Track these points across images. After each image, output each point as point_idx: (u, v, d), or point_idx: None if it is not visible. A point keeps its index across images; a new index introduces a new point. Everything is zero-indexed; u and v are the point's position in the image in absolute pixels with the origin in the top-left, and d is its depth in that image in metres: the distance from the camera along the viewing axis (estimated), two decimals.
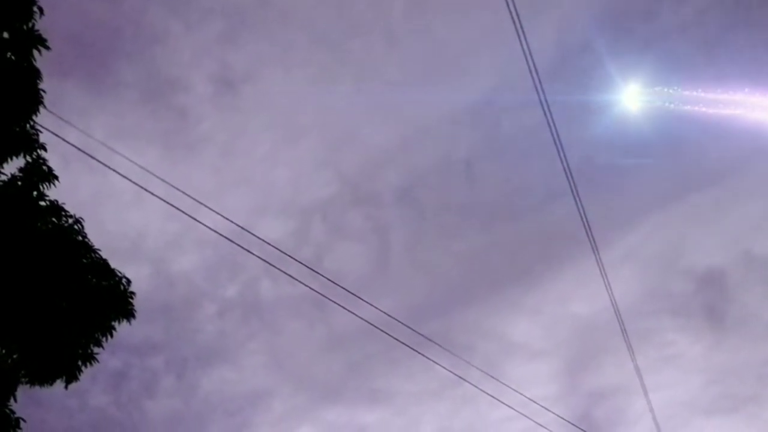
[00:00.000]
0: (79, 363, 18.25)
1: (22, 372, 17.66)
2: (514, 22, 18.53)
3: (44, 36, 17.04)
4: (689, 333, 55.07)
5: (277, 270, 20.97)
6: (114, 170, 19.50)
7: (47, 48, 17.10)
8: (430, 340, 24.56)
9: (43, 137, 17.61)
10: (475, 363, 27.25)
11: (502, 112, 49.13)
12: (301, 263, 21.17)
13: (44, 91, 17.19)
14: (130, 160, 20.07)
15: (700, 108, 43.39)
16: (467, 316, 56.76)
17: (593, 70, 47.10)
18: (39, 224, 17.55)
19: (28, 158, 17.51)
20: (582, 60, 49.00)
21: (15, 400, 17.12)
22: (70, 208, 18.09)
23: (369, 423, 55.57)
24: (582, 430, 30.57)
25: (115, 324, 18.62)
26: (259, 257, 21.04)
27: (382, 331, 22.39)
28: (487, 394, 26.51)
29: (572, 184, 22.75)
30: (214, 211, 20.46)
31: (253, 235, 20.95)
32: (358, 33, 50.59)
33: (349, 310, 21.85)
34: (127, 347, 49.00)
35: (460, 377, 25.95)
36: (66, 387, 18.30)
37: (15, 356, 17.54)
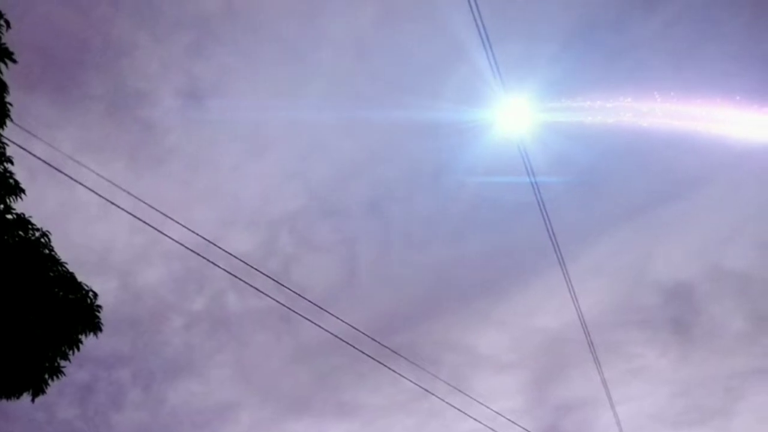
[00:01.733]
0: (46, 376, 18.25)
1: None
2: (481, 36, 18.72)
3: (11, 49, 17.03)
4: (656, 346, 55.45)
5: (244, 283, 21.05)
6: (81, 183, 19.52)
7: (14, 61, 17.09)
8: (397, 353, 24.70)
9: (10, 150, 17.60)
10: (441, 376, 27.40)
11: (470, 125, 49.34)
12: (268, 276, 21.25)
13: (11, 104, 17.19)
14: (97, 174, 20.10)
15: (668, 120, 43.86)
16: (434, 329, 56.93)
17: (562, 82, 47.47)
18: (5, 237, 17.52)
19: None
20: (550, 72, 49.37)
21: None
22: (37, 221, 18.11)
23: None
24: None
25: (82, 337, 18.63)
26: (225, 270, 21.11)
27: (348, 344, 22.50)
28: (454, 407, 26.69)
29: (539, 197, 22.99)
30: (180, 224, 20.52)
31: (220, 248, 21.02)
32: (327, 45, 50.68)
33: (315, 323, 21.96)
34: (94, 360, 48.81)
35: (426, 390, 26.09)
36: (33, 400, 18.29)
37: None
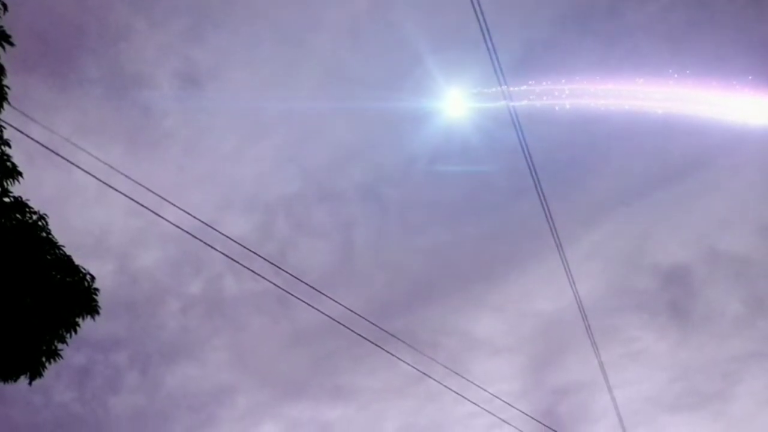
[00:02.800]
0: (43, 359, 18.26)
1: None
2: (478, 20, 18.67)
3: (8, 32, 17.01)
4: (654, 329, 55.50)
5: (240, 266, 21.07)
6: (78, 166, 19.53)
7: (11, 44, 17.07)
8: (394, 336, 24.72)
9: (8, 133, 17.59)
10: (439, 359, 27.43)
11: (467, 110, 49.27)
12: (265, 259, 21.27)
13: (8, 87, 17.16)
14: (94, 157, 20.11)
15: (665, 104, 43.82)
16: (431, 313, 56.98)
17: (557, 67, 47.41)
18: (3, 220, 17.53)
19: None
20: (546, 57, 49.33)
21: None
22: (35, 204, 18.09)
23: (332, 419, 55.73)
24: (545, 425, 30.87)
25: (79, 320, 18.63)
26: (222, 253, 21.14)
27: (345, 327, 22.53)
28: (451, 390, 26.73)
29: (536, 180, 22.96)
30: (177, 207, 20.53)
31: (217, 231, 21.03)
32: (322, 30, 50.67)
33: (312, 306, 21.97)
34: (91, 343, 48.93)
35: (423, 373, 26.12)
36: (30, 383, 18.29)
37: None
